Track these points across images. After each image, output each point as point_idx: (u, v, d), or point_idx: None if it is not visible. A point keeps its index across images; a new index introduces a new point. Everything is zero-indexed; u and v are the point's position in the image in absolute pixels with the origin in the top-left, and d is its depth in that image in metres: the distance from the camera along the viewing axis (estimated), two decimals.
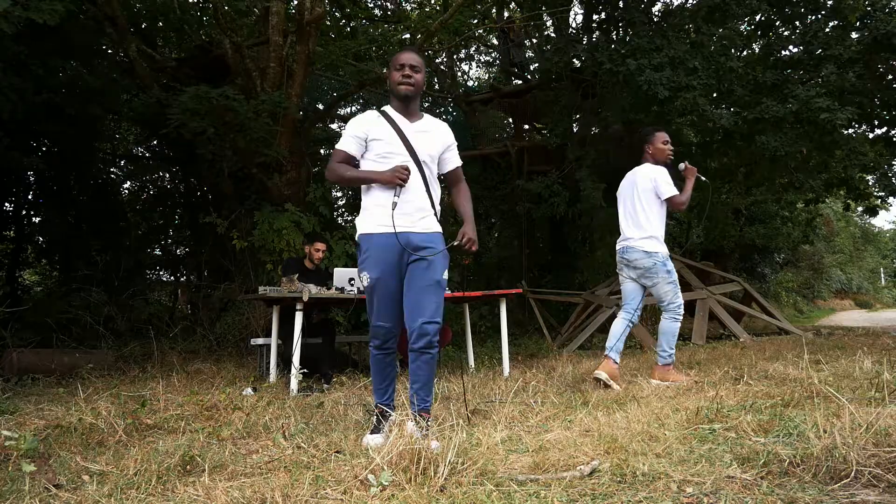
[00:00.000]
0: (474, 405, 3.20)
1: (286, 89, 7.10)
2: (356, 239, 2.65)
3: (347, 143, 2.61)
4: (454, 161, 2.75)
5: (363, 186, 2.64)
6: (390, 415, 2.56)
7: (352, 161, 2.63)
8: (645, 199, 3.97)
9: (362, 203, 2.66)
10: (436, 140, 2.66)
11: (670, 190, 3.94)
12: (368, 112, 2.68)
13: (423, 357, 2.49)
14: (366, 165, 2.62)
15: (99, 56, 7.81)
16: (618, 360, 3.90)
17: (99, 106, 7.36)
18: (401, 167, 2.49)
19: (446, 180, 2.82)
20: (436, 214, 2.64)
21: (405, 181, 2.49)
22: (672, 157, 4.09)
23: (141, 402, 3.09)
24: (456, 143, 2.77)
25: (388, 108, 2.66)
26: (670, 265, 3.97)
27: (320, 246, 5.29)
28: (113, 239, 8.62)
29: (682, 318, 3.96)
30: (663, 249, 3.97)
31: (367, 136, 2.59)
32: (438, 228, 2.64)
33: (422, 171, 2.59)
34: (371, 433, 2.53)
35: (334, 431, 2.65)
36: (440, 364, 5.26)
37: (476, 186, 10.01)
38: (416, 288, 2.51)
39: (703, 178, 4.11)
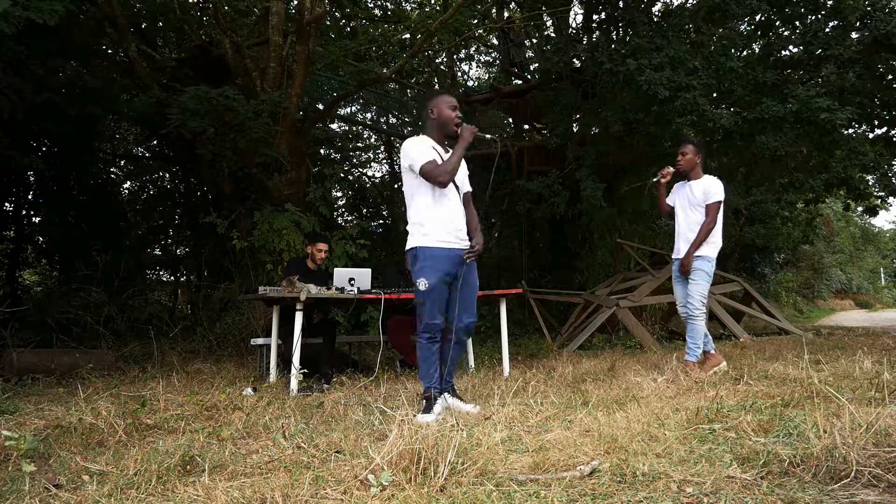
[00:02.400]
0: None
1: (286, 89, 7.10)
2: (411, 250, 3.09)
3: (429, 154, 3.06)
4: (466, 185, 3.32)
5: (422, 204, 3.08)
6: (439, 395, 3.09)
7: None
8: None
9: (414, 218, 3.10)
10: (463, 167, 3.25)
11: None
12: (420, 137, 3.18)
13: (461, 343, 3.24)
14: (414, 187, 3.10)
15: (99, 56, 7.81)
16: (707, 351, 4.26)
17: (99, 106, 7.35)
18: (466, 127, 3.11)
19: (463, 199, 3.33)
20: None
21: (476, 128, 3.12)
22: (681, 166, 4.28)
23: (141, 402, 3.09)
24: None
25: (427, 139, 3.16)
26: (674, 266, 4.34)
27: (322, 246, 5.28)
28: (113, 239, 8.62)
29: (685, 315, 4.23)
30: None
31: None
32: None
33: (459, 193, 3.20)
34: (423, 413, 2.96)
35: (334, 431, 2.64)
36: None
37: (476, 186, 10.00)
38: (466, 290, 3.14)
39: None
